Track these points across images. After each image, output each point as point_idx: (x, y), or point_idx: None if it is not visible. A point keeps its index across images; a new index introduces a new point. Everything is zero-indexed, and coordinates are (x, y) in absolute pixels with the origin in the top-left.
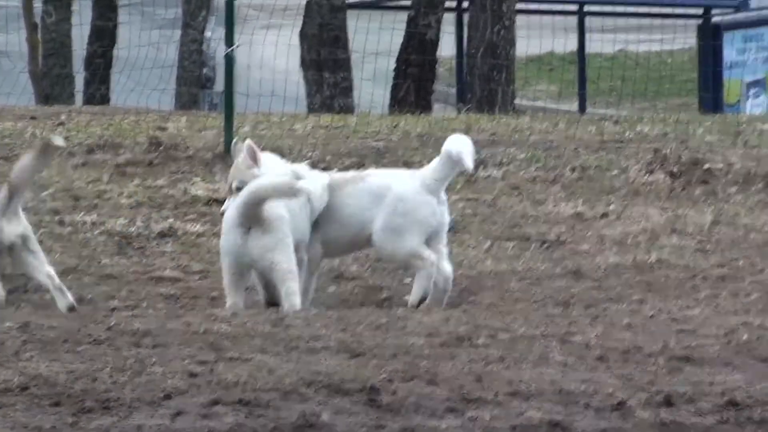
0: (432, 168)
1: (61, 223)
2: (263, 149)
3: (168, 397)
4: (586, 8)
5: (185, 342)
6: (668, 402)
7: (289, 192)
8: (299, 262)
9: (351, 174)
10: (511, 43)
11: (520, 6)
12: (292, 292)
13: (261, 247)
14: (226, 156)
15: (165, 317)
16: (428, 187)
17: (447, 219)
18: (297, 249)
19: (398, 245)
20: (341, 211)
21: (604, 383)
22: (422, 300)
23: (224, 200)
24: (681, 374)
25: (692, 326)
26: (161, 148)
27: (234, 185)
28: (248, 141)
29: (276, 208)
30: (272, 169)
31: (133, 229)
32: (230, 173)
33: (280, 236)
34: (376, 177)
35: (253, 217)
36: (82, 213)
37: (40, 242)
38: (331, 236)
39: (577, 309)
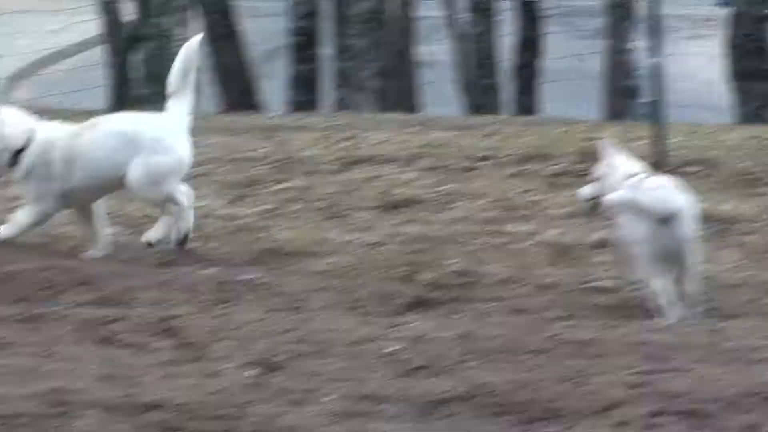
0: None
1: (497, 233)
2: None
3: (610, 407)
4: None
5: (624, 352)
6: None
7: None
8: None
9: (89, 121)
10: None
11: None
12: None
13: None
14: (657, 166)
15: (603, 327)
16: (183, 126)
17: None
18: None
19: (158, 189)
20: (85, 158)
21: None
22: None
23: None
24: None
25: None
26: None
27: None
28: None
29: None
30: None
31: (567, 239)
32: None
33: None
34: (123, 120)
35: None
36: (517, 223)
37: (474, 253)
38: (75, 185)
39: None
